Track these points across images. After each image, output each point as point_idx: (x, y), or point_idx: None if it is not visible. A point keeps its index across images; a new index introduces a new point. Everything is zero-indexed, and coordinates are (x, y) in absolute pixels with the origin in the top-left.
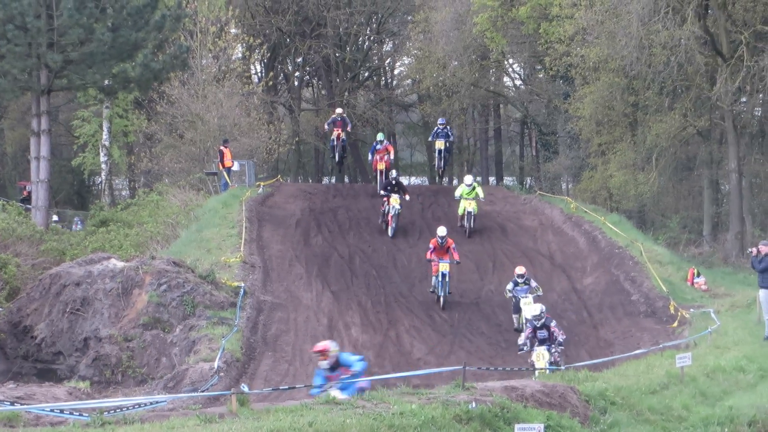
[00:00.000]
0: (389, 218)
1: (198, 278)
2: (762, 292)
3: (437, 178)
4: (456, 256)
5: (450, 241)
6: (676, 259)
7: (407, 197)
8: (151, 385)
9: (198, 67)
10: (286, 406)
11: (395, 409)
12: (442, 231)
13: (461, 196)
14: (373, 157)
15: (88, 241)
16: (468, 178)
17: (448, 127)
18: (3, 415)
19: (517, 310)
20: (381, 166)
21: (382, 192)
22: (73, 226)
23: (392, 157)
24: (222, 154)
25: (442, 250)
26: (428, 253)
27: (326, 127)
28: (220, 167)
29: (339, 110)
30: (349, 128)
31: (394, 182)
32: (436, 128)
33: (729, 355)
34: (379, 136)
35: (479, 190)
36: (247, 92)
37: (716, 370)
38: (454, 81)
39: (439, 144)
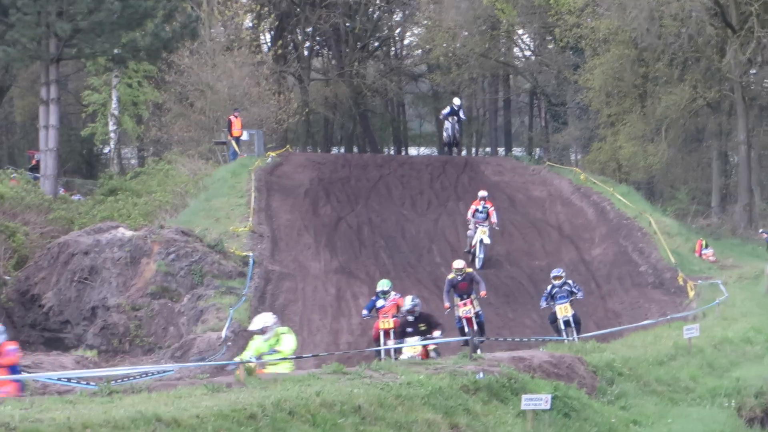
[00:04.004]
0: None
1: (206, 248)
2: None
3: None
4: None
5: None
6: (685, 231)
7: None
8: (158, 354)
9: (207, 37)
10: (293, 376)
11: (403, 379)
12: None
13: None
14: (369, 313)
15: (96, 210)
16: None
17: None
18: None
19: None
20: (386, 324)
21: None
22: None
23: (406, 309)
24: (230, 123)
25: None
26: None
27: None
28: (229, 136)
29: (384, 283)
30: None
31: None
32: None
33: (736, 326)
34: (383, 285)
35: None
36: (257, 62)
37: (724, 341)
38: (464, 51)
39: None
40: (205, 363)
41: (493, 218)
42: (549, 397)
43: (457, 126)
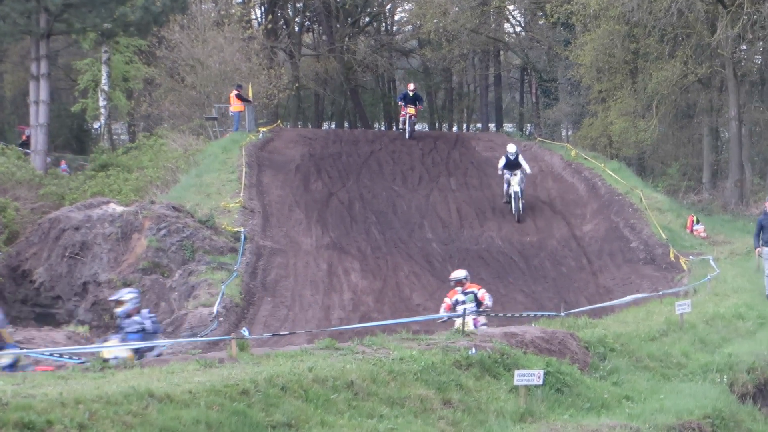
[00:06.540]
0: None
1: (197, 223)
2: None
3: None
4: None
5: None
6: (676, 207)
7: None
8: None
9: (198, 12)
10: (285, 351)
11: (395, 355)
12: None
13: None
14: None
15: (87, 185)
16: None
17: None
18: (2, 359)
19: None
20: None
21: None
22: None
23: None
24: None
25: None
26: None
27: None
28: (232, 110)
29: None
30: None
31: None
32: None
33: (728, 302)
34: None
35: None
36: (248, 37)
37: (715, 317)
38: (454, 27)
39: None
40: (198, 339)
41: (487, 301)
42: (541, 372)
43: (522, 185)
